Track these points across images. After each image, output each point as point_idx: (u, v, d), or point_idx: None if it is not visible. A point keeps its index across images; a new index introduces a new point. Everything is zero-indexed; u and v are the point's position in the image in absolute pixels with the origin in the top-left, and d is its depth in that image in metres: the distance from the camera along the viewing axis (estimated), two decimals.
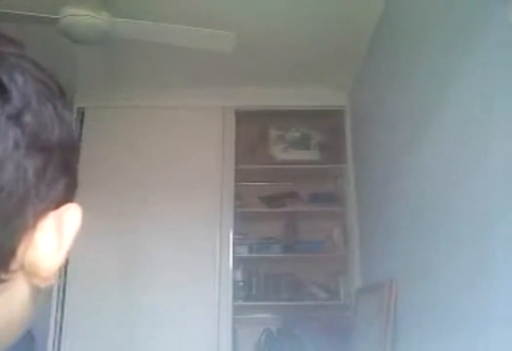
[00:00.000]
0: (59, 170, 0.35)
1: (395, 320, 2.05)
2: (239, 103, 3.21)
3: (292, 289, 3.12)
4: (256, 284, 3.14)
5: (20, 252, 0.32)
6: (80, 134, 3.14)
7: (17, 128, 0.31)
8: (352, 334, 2.58)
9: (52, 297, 2.82)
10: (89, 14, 1.97)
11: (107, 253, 2.89)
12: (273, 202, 3.25)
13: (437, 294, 1.66)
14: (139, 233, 2.94)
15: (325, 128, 3.37)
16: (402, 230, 2.08)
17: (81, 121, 3.17)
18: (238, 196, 3.12)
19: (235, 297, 2.90)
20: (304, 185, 3.35)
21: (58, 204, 0.36)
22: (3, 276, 0.31)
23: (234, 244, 2.96)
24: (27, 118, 0.32)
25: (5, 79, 0.31)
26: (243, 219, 3.11)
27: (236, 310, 2.88)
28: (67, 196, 0.37)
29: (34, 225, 0.33)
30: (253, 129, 3.36)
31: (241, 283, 3.09)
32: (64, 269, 2.87)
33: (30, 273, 0.34)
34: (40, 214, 0.34)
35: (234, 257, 2.93)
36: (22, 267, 0.33)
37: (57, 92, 0.37)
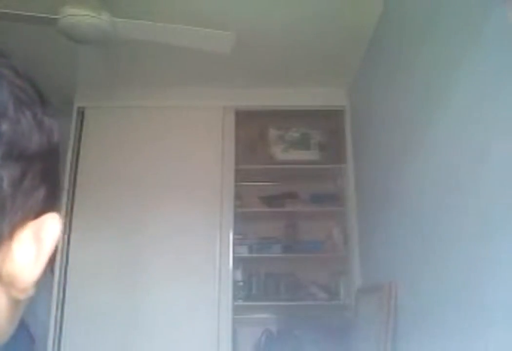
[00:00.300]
0: (38, 179, 0.34)
1: (395, 320, 2.05)
2: (239, 103, 3.21)
3: (292, 289, 3.12)
4: (256, 284, 3.14)
5: None
6: (80, 134, 3.14)
7: None
8: (352, 334, 2.58)
9: (52, 297, 2.82)
10: (89, 14, 1.97)
11: (107, 253, 2.89)
12: (273, 202, 3.25)
13: (437, 294, 1.66)
14: (139, 233, 2.93)
15: (325, 128, 3.37)
16: (402, 230, 2.08)
17: (81, 121, 3.17)
18: (238, 196, 3.12)
19: (235, 297, 2.90)
20: (304, 185, 3.35)
21: (37, 214, 0.35)
22: None
23: (234, 244, 2.96)
24: (3, 126, 0.31)
25: None
26: (243, 219, 3.11)
27: (236, 310, 2.88)
28: (48, 205, 0.36)
29: (11, 236, 0.32)
30: (253, 129, 3.36)
31: (241, 283, 3.09)
32: (64, 269, 2.87)
33: (7, 284, 0.33)
34: (18, 224, 0.33)
35: (234, 257, 2.93)
36: None
37: (38, 99, 0.36)
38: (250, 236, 3.19)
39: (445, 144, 1.63)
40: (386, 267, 2.32)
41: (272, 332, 2.99)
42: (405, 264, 2.02)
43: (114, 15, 2.05)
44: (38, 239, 0.35)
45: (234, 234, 2.98)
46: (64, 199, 2.98)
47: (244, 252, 3.07)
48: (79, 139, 3.13)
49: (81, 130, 3.15)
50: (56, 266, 2.86)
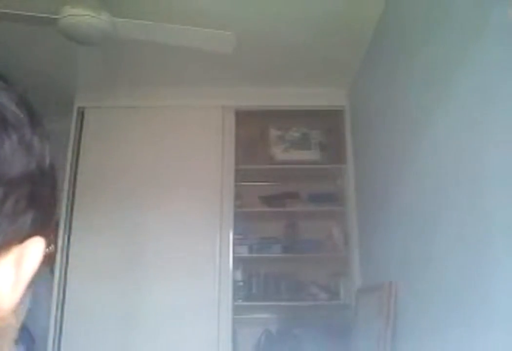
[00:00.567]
0: (24, 204, 0.33)
1: (395, 320, 2.05)
2: (239, 103, 3.21)
3: (292, 289, 3.12)
4: (256, 284, 3.14)
5: None
6: (80, 134, 3.14)
7: None
8: (352, 334, 2.58)
9: (52, 297, 2.82)
10: (89, 14, 1.97)
11: (107, 253, 2.89)
12: (273, 202, 3.25)
13: (437, 294, 1.66)
14: (139, 233, 2.93)
15: (325, 128, 3.37)
16: (402, 230, 2.08)
17: (81, 121, 3.17)
18: (238, 196, 3.11)
19: (235, 297, 2.90)
20: (304, 185, 3.35)
21: (24, 238, 0.34)
22: None
23: (234, 244, 2.96)
24: None
25: None
26: (243, 219, 3.11)
27: (236, 310, 2.88)
28: (37, 229, 0.35)
29: None
30: (253, 129, 3.36)
31: (241, 283, 3.09)
32: (64, 269, 2.87)
33: None
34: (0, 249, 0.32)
35: (234, 257, 2.93)
36: None
37: (27, 119, 0.35)
38: (250, 236, 3.19)
39: (445, 143, 1.63)
40: (386, 267, 2.32)
41: (272, 332, 2.99)
42: (405, 264, 2.02)
43: (114, 15, 2.05)
44: (18, 265, 0.33)
45: (234, 234, 2.98)
46: (64, 199, 2.98)
47: (244, 252, 3.07)
48: (79, 139, 3.13)
49: (81, 130, 3.15)
50: (56, 266, 2.86)
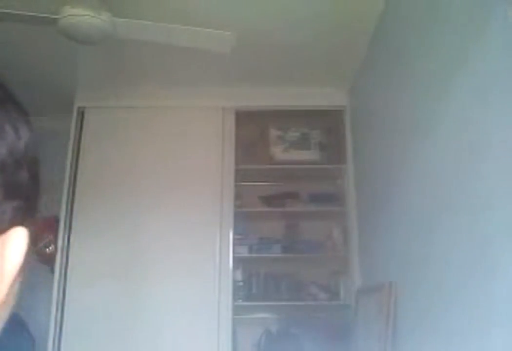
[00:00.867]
0: (0, 195, 0.32)
1: (395, 321, 2.05)
2: (239, 103, 3.21)
3: (292, 289, 3.12)
4: (256, 284, 3.14)
5: None
6: (80, 134, 3.14)
7: None
8: (352, 335, 2.58)
9: (52, 297, 2.82)
10: (89, 14, 1.97)
11: (107, 253, 2.89)
12: (273, 202, 3.25)
13: (437, 294, 1.66)
14: (139, 233, 2.93)
15: (325, 128, 3.37)
16: (402, 230, 2.08)
17: (81, 121, 3.17)
18: (238, 196, 3.11)
19: (235, 297, 2.90)
20: (304, 185, 3.35)
21: (5, 229, 0.33)
22: None
23: (234, 244, 2.96)
24: None
25: None
26: (243, 219, 3.11)
27: (236, 310, 2.88)
28: (19, 219, 0.34)
29: None
30: (253, 129, 3.36)
31: (241, 283, 3.09)
32: (64, 269, 2.87)
33: None
34: None
35: (234, 257, 2.93)
36: None
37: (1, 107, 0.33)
38: (250, 236, 3.18)
39: (445, 143, 1.63)
40: (386, 267, 2.32)
41: (272, 332, 2.99)
42: (405, 264, 2.02)
43: (114, 15, 2.05)
44: (1, 256, 0.32)
45: (234, 234, 2.98)
46: (64, 199, 2.98)
47: (244, 252, 3.07)
48: (79, 139, 3.13)
49: (81, 130, 3.15)
50: (56, 266, 2.86)
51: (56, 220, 3.00)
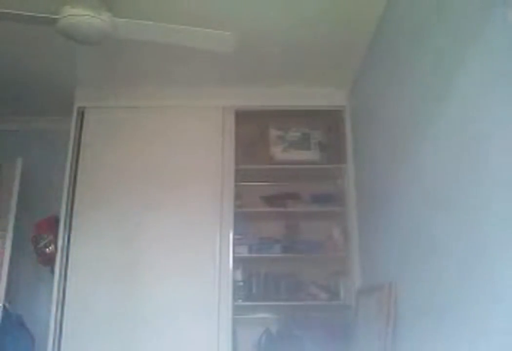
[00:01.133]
0: None
1: (395, 321, 2.05)
2: (239, 103, 3.21)
3: (292, 289, 3.12)
4: (256, 284, 3.15)
5: None
6: (80, 134, 3.14)
7: None
8: (352, 335, 2.58)
9: (52, 297, 2.82)
10: (89, 14, 1.97)
11: (107, 253, 2.89)
12: (273, 202, 3.25)
13: (437, 294, 1.66)
14: (139, 232, 2.93)
15: (325, 128, 3.37)
16: (402, 230, 2.08)
17: (81, 121, 3.17)
18: (238, 196, 3.11)
19: (235, 297, 2.90)
20: (304, 185, 3.35)
21: None
22: None
23: (234, 244, 2.95)
24: None
25: None
26: (243, 219, 3.11)
27: (236, 310, 2.88)
28: None
29: None
30: (253, 129, 3.36)
31: (241, 283, 3.09)
32: (64, 269, 2.87)
33: None
34: None
35: (234, 257, 2.93)
36: None
37: None
38: (250, 236, 3.19)
39: (445, 143, 1.63)
40: (386, 267, 2.32)
41: (272, 332, 2.99)
42: (405, 264, 2.02)
43: (114, 15, 2.05)
44: None
45: (234, 234, 2.98)
46: (64, 199, 2.98)
47: (244, 252, 3.07)
48: (79, 139, 3.13)
49: (81, 130, 3.15)
50: (56, 266, 2.86)
51: (56, 220, 3.00)
